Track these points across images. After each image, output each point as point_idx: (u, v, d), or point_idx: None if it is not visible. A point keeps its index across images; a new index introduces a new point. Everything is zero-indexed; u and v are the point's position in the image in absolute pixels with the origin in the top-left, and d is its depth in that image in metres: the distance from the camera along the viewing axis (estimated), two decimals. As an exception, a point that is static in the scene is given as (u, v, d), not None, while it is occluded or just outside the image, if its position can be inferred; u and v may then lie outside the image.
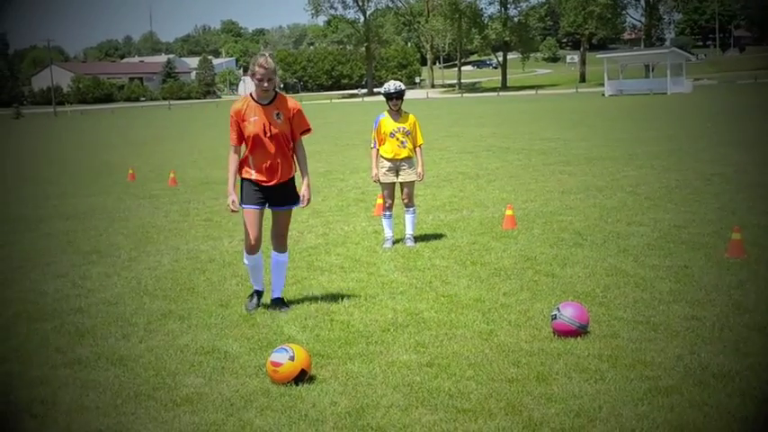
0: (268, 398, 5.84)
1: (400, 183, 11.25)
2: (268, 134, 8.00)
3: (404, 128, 11.05)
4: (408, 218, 11.37)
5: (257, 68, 7.86)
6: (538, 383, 5.88)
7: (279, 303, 8.31)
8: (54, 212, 16.14)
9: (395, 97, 10.99)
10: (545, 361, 6.34)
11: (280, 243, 8.50)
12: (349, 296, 8.58)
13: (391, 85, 11.09)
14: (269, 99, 8.07)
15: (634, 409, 5.36)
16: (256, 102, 8.06)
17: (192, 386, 6.15)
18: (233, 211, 8.25)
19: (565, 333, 6.88)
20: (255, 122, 7.97)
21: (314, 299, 8.54)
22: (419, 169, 11.25)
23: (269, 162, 8.07)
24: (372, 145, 11.29)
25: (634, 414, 5.27)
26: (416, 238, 11.37)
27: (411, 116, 11.21)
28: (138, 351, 7.08)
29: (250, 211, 8.21)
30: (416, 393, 5.79)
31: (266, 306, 8.32)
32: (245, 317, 7.99)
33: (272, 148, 8.04)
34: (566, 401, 5.52)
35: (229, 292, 9.06)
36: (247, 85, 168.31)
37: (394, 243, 11.30)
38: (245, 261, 8.45)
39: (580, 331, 6.87)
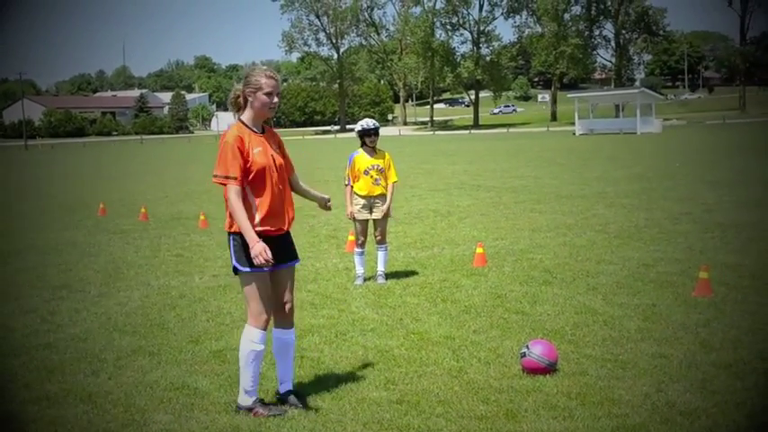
0: (237, 434, 5.83)
1: (373, 220, 11.31)
2: (274, 169, 6.43)
3: (378, 165, 11.15)
4: (380, 255, 11.42)
5: (265, 80, 6.35)
6: (507, 421, 5.91)
7: (296, 396, 6.54)
8: (24, 247, 16.03)
9: (372, 134, 11.08)
10: (514, 398, 6.37)
11: (289, 315, 6.79)
12: (319, 333, 8.61)
13: (369, 122, 11.19)
14: (261, 127, 6.56)
15: (602, 446, 5.41)
16: (250, 129, 6.43)
17: (161, 423, 6.13)
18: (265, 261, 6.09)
19: (534, 370, 6.92)
20: (260, 153, 6.32)
21: (284, 335, 8.52)
22: (385, 207, 11.28)
23: (277, 204, 6.51)
24: (346, 182, 11.36)
25: (602, 451, 5.32)
26: (387, 275, 11.41)
27: (387, 154, 11.33)
28: (107, 387, 7.05)
29: (263, 275, 6.38)
30: (386, 430, 5.81)
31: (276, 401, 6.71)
32: (216, 352, 7.99)
33: (278, 186, 6.47)
34: (534, 439, 5.56)
35: (200, 328, 9.04)
36: (220, 121, 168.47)
37: (365, 280, 11.33)
38: (255, 345, 6.32)
39: (549, 369, 6.92)
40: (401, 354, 7.76)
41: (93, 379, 7.32)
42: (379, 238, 11.38)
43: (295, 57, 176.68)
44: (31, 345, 8.52)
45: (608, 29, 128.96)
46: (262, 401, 6.39)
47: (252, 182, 6.28)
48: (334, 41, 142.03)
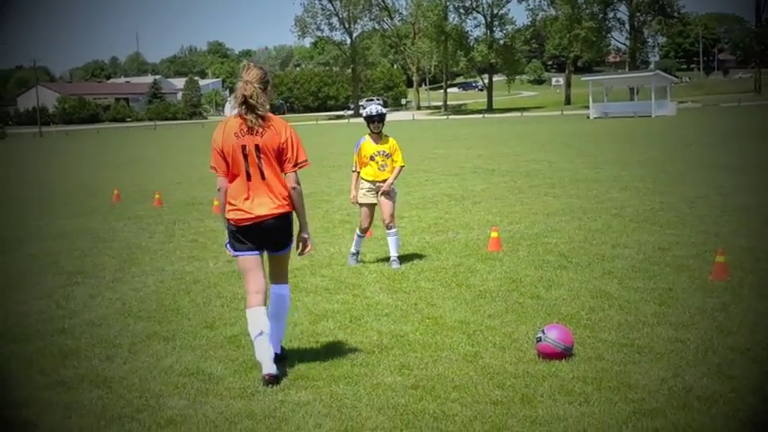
0: (252, 420, 5.82)
1: (381, 204, 11.34)
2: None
3: (384, 151, 11.22)
4: (391, 240, 11.39)
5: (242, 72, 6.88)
6: (522, 406, 5.88)
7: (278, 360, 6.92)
8: (38, 233, 16.08)
9: (376, 120, 11.14)
10: (530, 383, 6.34)
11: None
12: (334, 318, 8.59)
13: (373, 109, 11.23)
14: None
15: (619, 431, 5.37)
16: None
17: (175, 408, 6.13)
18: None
19: (550, 355, 6.89)
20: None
21: (299, 321, 8.52)
22: (389, 180, 11.28)
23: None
24: (354, 168, 11.37)
25: (618, 437, 5.28)
26: (402, 260, 11.38)
27: (391, 139, 11.40)
28: (121, 372, 7.06)
29: (244, 259, 7.01)
30: (401, 415, 5.78)
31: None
32: (230, 338, 7.98)
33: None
34: (550, 424, 5.53)
35: (214, 313, 9.03)
36: (233, 107, 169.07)
37: (358, 261, 11.48)
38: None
39: (565, 353, 6.89)
40: (416, 339, 7.73)
41: (108, 364, 7.32)
42: (387, 221, 11.34)
43: (308, 42, 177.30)
44: (45, 330, 8.54)
45: (622, 11, 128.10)
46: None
47: (229, 168, 6.82)
48: (346, 26, 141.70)
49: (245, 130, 6.77)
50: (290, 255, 7.24)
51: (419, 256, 11.82)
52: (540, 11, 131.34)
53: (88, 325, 8.65)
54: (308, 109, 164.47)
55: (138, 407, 6.19)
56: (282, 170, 6.90)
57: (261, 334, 6.68)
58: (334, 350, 7.46)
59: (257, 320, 6.75)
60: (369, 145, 11.23)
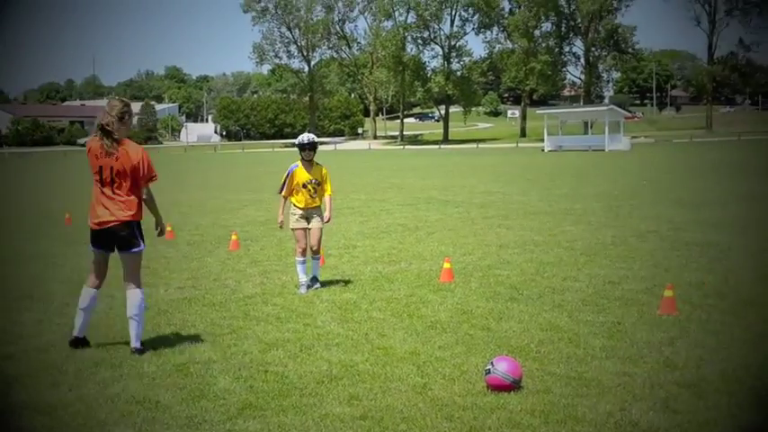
0: (198, 450, 5.77)
1: (310, 230, 11.66)
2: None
3: (315, 180, 11.54)
4: (314, 263, 11.85)
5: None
6: (470, 438, 5.89)
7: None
8: (-13, 256, 15.87)
9: (307, 148, 11.47)
10: (478, 416, 6.35)
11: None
12: (284, 347, 8.55)
13: (305, 137, 11.59)
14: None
15: (564, 465, 5.40)
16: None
17: (121, 437, 6.06)
18: None
19: (498, 387, 6.91)
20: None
21: (249, 349, 8.48)
22: (327, 214, 11.73)
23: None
24: (280, 191, 11.70)
25: (564, 470, 5.31)
26: (354, 289, 11.46)
27: (323, 168, 11.72)
28: (67, 399, 6.96)
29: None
30: (349, 447, 5.76)
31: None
32: (178, 366, 7.91)
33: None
34: (497, 457, 5.54)
35: (163, 340, 8.95)
36: (189, 132, 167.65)
37: (308, 288, 11.60)
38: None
39: (513, 386, 6.91)
40: (366, 369, 7.72)
41: (54, 391, 7.22)
42: (315, 247, 11.70)
43: (266, 69, 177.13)
44: (-10, 356, 8.41)
45: (578, 46, 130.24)
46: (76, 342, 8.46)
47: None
48: (305, 54, 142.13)
49: (104, 153, 8.18)
50: (136, 258, 8.59)
51: (371, 287, 11.81)
52: (496, 43, 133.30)
53: (35, 351, 8.52)
54: (264, 136, 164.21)
55: (83, 435, 6.11)
56: (138, 185, 8.40)
57: (83, 309, 8.51)
58: (283, 380, 7.43)
59: (85, 297, 8.58)
60: (301, 173, 11.54)
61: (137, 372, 7.76)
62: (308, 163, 11.52)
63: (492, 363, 7.07)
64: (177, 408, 6.70)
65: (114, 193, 8.26)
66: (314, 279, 11.77)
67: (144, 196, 8.47)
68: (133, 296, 8.48)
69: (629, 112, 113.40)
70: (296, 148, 11.87)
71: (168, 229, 18.00)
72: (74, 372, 7.78)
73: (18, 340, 9.06)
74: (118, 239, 8.40)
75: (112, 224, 8.31)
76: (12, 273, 13.77)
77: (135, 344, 8.36)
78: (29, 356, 8.36)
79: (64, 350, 8.56)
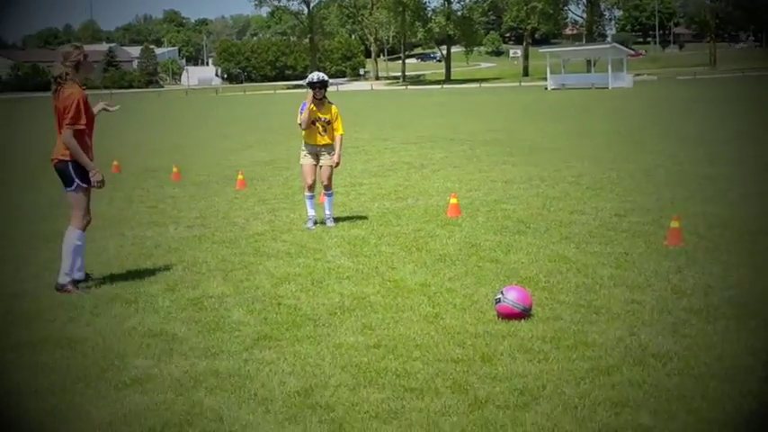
0: (217, 378, 5.89)
1: (320, 167, 11.70)
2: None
3: (325, 118, 11.54)
4: (327, 200, 11.88)
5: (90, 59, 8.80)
6: (483, 364, 6.00)
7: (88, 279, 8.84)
8: (-5, 199, 15.97)
9: (318, 86, 11.43)
10: (490, 342, 6.46)
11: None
12: (296, 281, 8.65)
13: (315, 75, 11.56)
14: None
15: (576, 387, 5.51)
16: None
17: (140, 368, 6.17)
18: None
19: (509, 316, 7.01)
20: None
21: (261, 284, 8.58)
22: (335, 157, 11.72)
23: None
24: (300, 125, 11.63)
25: (576, 392, 5.42)
26: (362, 224, 11.54)
27: (333, 107, 11.68)
28: (85, 334, 7.08)
29: (90, 190, 8.83)
30: (364, 373, 5.88)
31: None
32: (193, 300, 8.02)
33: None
34: (510, 380, 5.65)
35: (176, 276, 9.05)
36: (190, 75, 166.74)
37: (315, 223, 11.73)
38: (77, 241, 8.66)
39: (524, 314, 7.02)
40: (377, 300, 7.82)
41: (71, 326, 7.34)
42: (325, 183, 11.78)
43: (265, 11, 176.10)
44: (6, 293, 8.52)
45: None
46: (74, 282, 8.49)
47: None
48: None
49: (55, 95, 8.55)
50: (69, 197, 8.72)
51: (379, 222, 11.90)
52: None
53: (49, 288, 8.61)
54: (265, 78, 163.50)
55: (103, 366, 6.22)
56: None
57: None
58: (296, 312, 7.53)
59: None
60: (312, 111, 11.49)
61: (152, 306, 7.87)
62: (319, 101, 11.51)
63: (502, 292, 7.16)
64: (194, 339, 6.82)
65: (58, 132, 8.60)
66: (329, 217, 11.83)
67: (64, 140, 8.48)
68: (66, 233, 8.71)
69: (632, 50, 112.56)
70: (300, 89, 11.83)
71: (174, 170, 18.10)
72: (90, 307, 7.88)
73: (32, 278, 9.18)
74: (59, 176, 8.72)
75: (54, 162, 8.67)
76: (22, 215, 13.85)
77: (58, 278, 8.57)
78: (44, 293, 8.47)
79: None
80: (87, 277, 8.85)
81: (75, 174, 8.54)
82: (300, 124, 11.57)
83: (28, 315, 7.71)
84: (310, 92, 11.55)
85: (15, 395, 5.71)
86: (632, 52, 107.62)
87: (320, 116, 11.50)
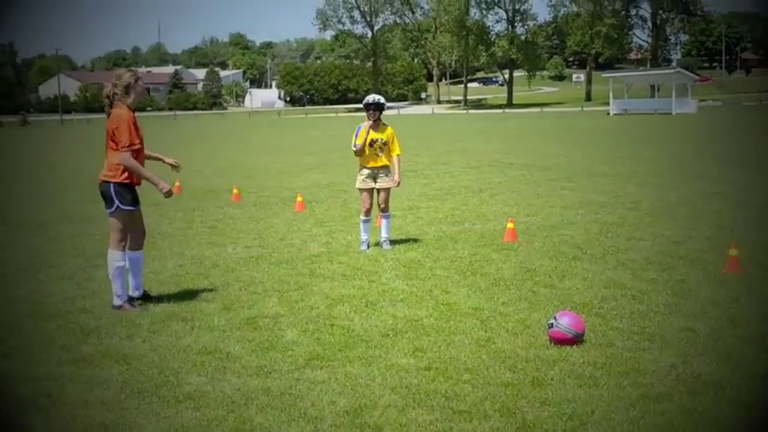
0: (268, 396, 5.97)
1: (377, 189, 11.76)
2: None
3: (381, 139, 11.64)
4: (384, 222, 11.92)
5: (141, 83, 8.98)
6: (533, 388, 6.00)
7: (147, 298, 8.98)
8: (59, 217, 16.30)
9: (372, 109, 11.61)
10: (540, 367, 6.46)
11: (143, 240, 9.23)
12: (350, 302, 8.72)
13: (371, 98, 11.79)
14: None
15: (626, 413, 5.49)
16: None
17: (194, 384, 6.29)
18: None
19: (561, 341, 7.00)
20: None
21: (315, 305, 8.67)
22: (396, 177, 11.84)
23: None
24: (354, 146, 11.76)
25: (626, 418, 5.40)
26: (417, 248, 11.60)
27: (389, 128, 11.82)
28: (141, 350, 7.22)
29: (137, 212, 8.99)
30: (414, 395, 5.92)
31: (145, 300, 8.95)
32: (248, 319, 8.13)
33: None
34: (559, 405, 5.65)
35: (232, 296, 9.18)
36: (254, 98, 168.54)
37: (369, 246, 11.80)
38: (120, 262, 8.72)
39: (576, 340, 7.00)
40: (430, 323, 7.86)
41: (128, 342, 7.49)
42: (383, 206, 11.83)
43: (329, 35, 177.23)
44: (67, 310, 8.71)
45: (644, 8, 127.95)
46: (130, 302, 8.72)
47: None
48: (368, 19, 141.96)
49: (107, 116, 8.80)
50: (111, 218, 8.78)
51: (435, 246, 11.93)
52: (561, 7, 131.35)
53: (108, 305, 8.78)
54: (328, 101, 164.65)
55: (158, 382, 6.35)
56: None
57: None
58: (349, 333, 7.60)
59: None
60: (368, 133, 11.61)
61: (207, 325, 7.99)
62: (374, 123, 11.62)
63: (555, 317, 7.16)
64: (247, 358, 6.92)
65: (105, 153, 8.82)
66: (386, 240, 11.88)
67: (117, 161, 8.63)
68: (107, 256, 8.83)
69: (697, 74, 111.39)
70: (362, 112, 11.94)
71: (235, 191, 18.33)
72: (147, 325, 8.03)
73: (92, 295, 9.37)
74: (102, 197, 8.80)
75: (100, 182, 8.77)
76: (84, 231, 14.12)
77: (113, 301, 8.76)
78: (103, 310, 8.65)
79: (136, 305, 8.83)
80: (146, 294, 9.00)
81: (116, 197, 8.64)
82: (355, 150, 11.68)
83: (86, 331, 7.87)
84: (366, 116, 11.67)
85: (71, 408, 5.84)
86: (698, 77, 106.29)
87: (376, 137, 11.59)
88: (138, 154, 8.79)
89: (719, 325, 7.56)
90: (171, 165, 9.74)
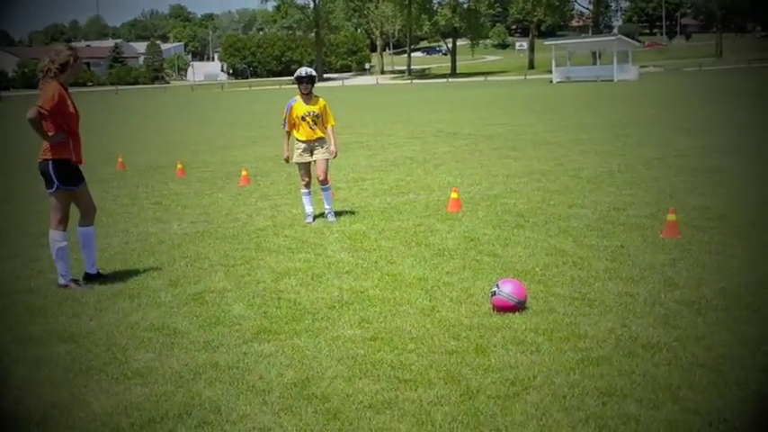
0: (216, 371, 6.03)
1: (314, 161, 11.82)
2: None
3: (313, 111, 11.70)
4: (325, 195, 12.00)
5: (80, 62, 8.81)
6: (476, 355, 6.14)
7: (98, 277, 8.95)
8: (2, 196, 16.12)
9: (305, 81, 11.63)
10: (484, 335, 6.60)
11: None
12: (296, 275, 8.79)
13: (302, 70, 11.75)
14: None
15: (566, 377, 5.64)
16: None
17: (142, 360, 6.33)
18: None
19: (503, 308, 7.14)
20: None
21: (262, 278, 8.73)
22: (332, 147, 11.90)
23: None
24: (283, 126, 11.89)
25: (566, 382, 5.55)
26: (363, 220, 11.68)
27: (321, 100, 11.87)
28: (88, 328, 7.24)
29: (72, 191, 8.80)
30: (360, 365, 6.02)
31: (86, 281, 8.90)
32: (194, 295, 8.17)
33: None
34: (502, 371, 5.79)
35: (179, 272, 9.21)
36: (196, 71, 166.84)
37: (314, 218, 11.91)
38: (61, 242, 8.73)
39: (518, 307, 7.14)
40: (375, 294, 7.96)
41: (75, 320, 7.50)
42: (321, 177, 11.86)
43: (270, 5, 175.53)
44: (12, 289, 8.70)
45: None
46: (75, 281, 8.71)
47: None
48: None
49: (39, 89, 8.62)
50: (53, 199, 8.73)
51: (380, 217, 12.03)
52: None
53: (54, 284, 8.77)
54: (271, 73, 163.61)
55: (106, 360, 6.38)
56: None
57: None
58: (295, 306, 7.68)
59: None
60: (299, 106, 11.70)
61: (154, 301, 8.03)
62: (307, 96, 11.67)
63: (497, 285, 7.29)
64: (195, 333, 6.97)
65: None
66: (329, 212, 11.97)
67: (27, 115, 8.40)
68: (49, 236, 8.83)
69: (639, 41, 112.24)
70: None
71: (179, 166, 18.25)
72: (93, 303, 8.05)
73: (37, 275, 9.35)
74: (41, 176, 8.71)
75: (39, 161, 8.68)
76: (28, 211, 14.02)
77: (58, 280, 8.76)
78: (49, 289, 8.64)
79: (82, 283, 8.83)
80: (99, 274, 9.00)
81: (55, 176, 8.52)
82: (284, 129, 11.82)
83: (33, 310, 7.87)
84: (298, 89, 11.74)
85: (19, 389, 5.86)
86: (641, 44, 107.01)
87: (309, 110, 11.64)
88: (74, 137, 8.72)
89: (657, 289, 7.76)
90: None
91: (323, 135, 11.78)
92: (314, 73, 11.86)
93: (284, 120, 11.81)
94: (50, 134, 8.43)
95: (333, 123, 11.91)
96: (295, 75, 11.81)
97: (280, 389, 5.65)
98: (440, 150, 21.19)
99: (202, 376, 5.94)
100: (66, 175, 8.59)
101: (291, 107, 11.68)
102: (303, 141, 11.73)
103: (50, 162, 8.51)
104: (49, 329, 7.24)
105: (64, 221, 8.74)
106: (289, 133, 11.87)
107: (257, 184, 16.21)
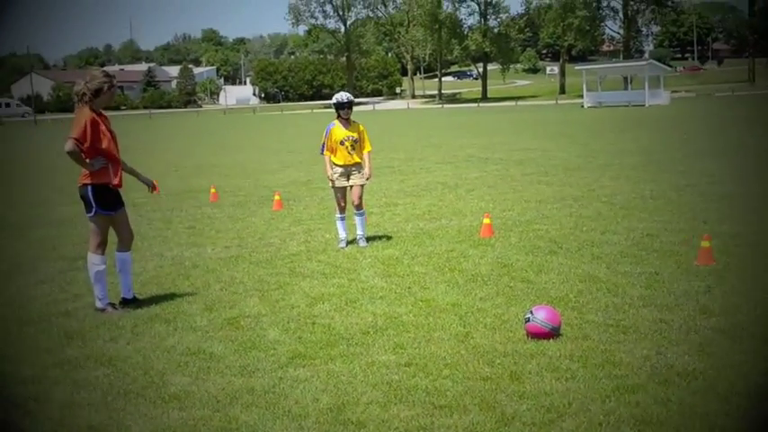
0: (252, 395, 6.09)
1: (350, 187, 11.93)
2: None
3: (352, 137, 11.78)
4: (358, 219, 12.06)
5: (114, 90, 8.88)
6: (511, 382, 6.15)
7: (134, 301, 9.01)
8: (39, 219, 16.33)
9: (345, 107, 11.73)
10: (518, 361, 6.61)
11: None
12: (330, 300, 8.85)
13: (342, 96, 11.82)
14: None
15: (602, 405, 5.64)
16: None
17: (179, 384, 6.40)
18: None
19: (538, 335, 7.15)
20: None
21: (296, 303, 8.79)
22: (366, 171, 11.95)
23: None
24: (321, 151, 12.00)
25: (601, 410, 5.56)
26: (395, 245, 11.74)
27: (360, 125, 11.96)
28: (126, 352, 7.32)
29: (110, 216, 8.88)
30: (395, 391, 6.05)
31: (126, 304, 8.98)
32: (230, 319, 8.24)
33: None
34: (537, 398, 5.80)
35: (213, 296, 9.29)
36: (228, 95, 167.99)
37: (348, 243, 11.94)
38: (99, 266, 8.80)
39: (552, 333, 7.15)
40: (409, 320, 8.00)
41: (112, 344, 7.59)
42: (356, 202, 11.95)
43: (302, 30, 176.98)
44: (50, 312, 8.81)
45: (616, 0, 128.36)
46: (112, 305, 8.79)
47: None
48: (341, 14, 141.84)
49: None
50: (91, 222, 8.82)
51: (413, 242, 12.07)
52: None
53: (91, 308, 8.88)
54: (302, 97, 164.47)
55: (143, 384, 6.46)
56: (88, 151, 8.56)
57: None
58: (330, 331, 7.73)
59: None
60: (338, 131, 11.79)
61: (189, 326, 8.10)
62: (345, 121, 11.78)
63: (531, 311, 7.30)
64: (230, 358, 7.04)
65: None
66: (361, 237, 12.01)
67: (65, 148, 8.43)
68: (87, 260, 8.90)
69: (669, 65, 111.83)
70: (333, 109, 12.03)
71: (212, 190, 18.39)
72: (130, 327, 8.14)
73: (74, 298, 9.46)
74: (81, 200, 8.82)
75: (78, 185, 8.78)
76: (64, 234, 14.18)
77: (95, 304, 8.85)
78: (86, 313, 8.74)
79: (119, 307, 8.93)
80: (135, 298, 9.08)
81: (94, 200, 8.61)
82: (321, 152, 11.95)
83: (70, 333, 7.97)
84: (336, 114, 11.83)
85: (58, 411, 5.94)
86: (670, 69, 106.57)
87: (348, 135, 11.73)
88: (115, 164, 8.83)
89: (692, 316, 7.74)
90: (146, 185, 9.69)
91: (359, 160, 11.86)
92: (353, 98, 11.97)
93: (322, 144, 11.89)
94: (88, 161, 8.49)
95: (369, 149, 11.99)
96: (335, 100, 11.86)
97: (315, 414, 5.69)
98: (471, 175, 21.22)
99: (239, 401, 6.00)
100: (105, 200, 8.67)
101: (330, 131, 11.77)
102: (341, 166, 11.81)
103: (89, 187, 8.61)
104: (86, 353, 7.33)
105: (103, 245, 8.81)
106: (328, 157, 11.91)
107: (290, 209, 16.31)
